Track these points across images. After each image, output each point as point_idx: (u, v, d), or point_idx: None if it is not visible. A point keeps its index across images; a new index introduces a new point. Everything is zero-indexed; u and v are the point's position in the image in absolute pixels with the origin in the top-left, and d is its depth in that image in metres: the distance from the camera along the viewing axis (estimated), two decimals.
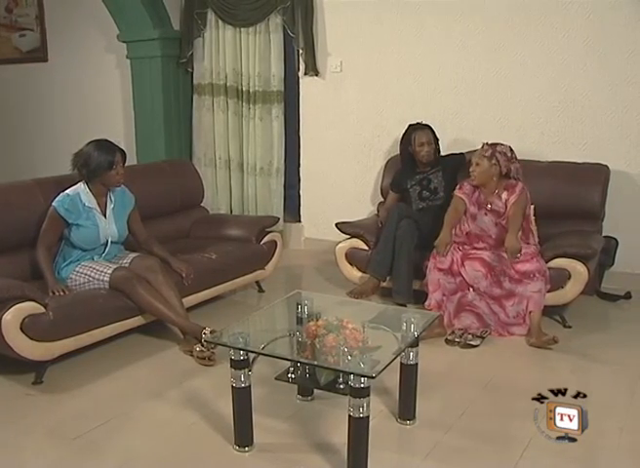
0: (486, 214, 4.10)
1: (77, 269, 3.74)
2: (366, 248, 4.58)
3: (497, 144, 4.06)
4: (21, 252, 3.84)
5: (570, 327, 4.10)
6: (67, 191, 3.76)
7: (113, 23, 6.17)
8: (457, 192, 4.18)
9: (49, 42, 7.11)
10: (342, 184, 5.77)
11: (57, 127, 7.16)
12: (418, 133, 4.66)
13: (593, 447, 2.77)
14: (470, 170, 4.10)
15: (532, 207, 4.17)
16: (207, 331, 3.58)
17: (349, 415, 2.44)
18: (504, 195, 4.07)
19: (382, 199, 5.07)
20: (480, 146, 4.10)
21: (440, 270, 4.01)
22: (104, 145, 3.82)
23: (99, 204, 3.85)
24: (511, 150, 4.08)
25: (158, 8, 6.00)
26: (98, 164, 3.74)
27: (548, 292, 4.02)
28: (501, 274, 3.93)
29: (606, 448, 2.79)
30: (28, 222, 3.84)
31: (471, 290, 3.99)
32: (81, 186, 3.80)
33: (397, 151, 4.95)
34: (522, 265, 3.90)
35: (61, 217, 3.71)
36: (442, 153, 4.80)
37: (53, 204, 3.72)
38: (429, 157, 4.64)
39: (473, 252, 4.06)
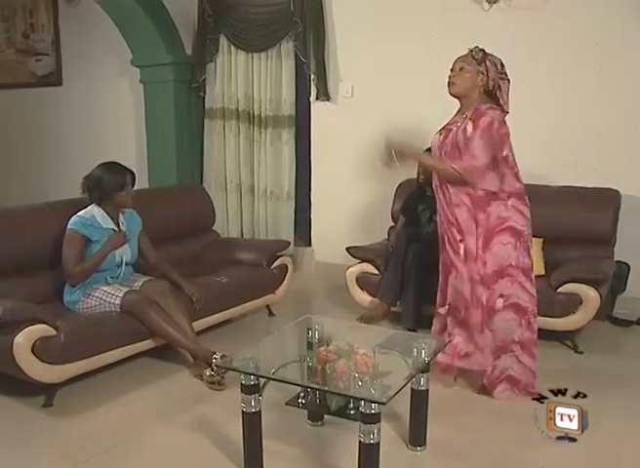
0: (441, 133, 3.55)
1: (89, 292, 3.75)
2: (376, 272, 4.59)
3: (489, 53, 3.45)
4: (34, 274, 3.87)
5: (581, 352, 4.07)
6: (80, 213, 3.78)
7: (127, 48, 6.25)
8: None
9: (64, 66, 7.21)
10: (353, 209, 5.78)
11: (70, 150, 7.22)
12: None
13: None
14: (451, 75, 3.48)
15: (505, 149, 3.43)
16: (217, 355, 3.58)
17: (360, 441, 2.43)
18: (469, 128, 3.37)
19: (393, 223, 5.08)
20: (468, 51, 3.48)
21: None
22: (115, 167, 3.86)
23: (114, 224, 3.88)
24: (502, 65, 3.47)
25: (171, 33, 6.09)
26: (109, 186, 3.78)
27: (559, 317, 4.00)
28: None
29: None
30: (41, 245, 3.86)
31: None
32: (94, 209, 3.82)
33: (408, 176, 4.96)
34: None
35: (82, 236, 3.71)
36: None
37: (69, 227, 3.73)
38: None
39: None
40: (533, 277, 3.46)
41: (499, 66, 3.44)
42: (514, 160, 3.45)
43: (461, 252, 3.43)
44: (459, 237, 3.44)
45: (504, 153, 3.38)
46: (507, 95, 3.47)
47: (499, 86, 3.44)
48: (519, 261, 3.37)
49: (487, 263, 3.36)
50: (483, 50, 3.45)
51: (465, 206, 3.40)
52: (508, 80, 3.47)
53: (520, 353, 3.42)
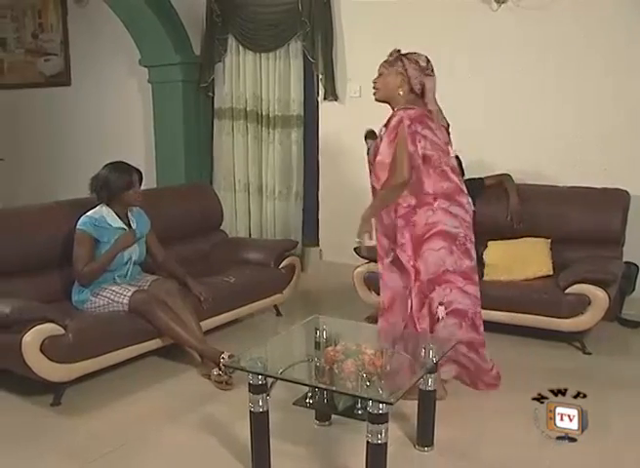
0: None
1: (97, 291, 3.76)
2: None
3: (409, 52, 3.33)
4: (42, 273, 3.88)
5: (589, 353, 4.06)
6: (88, 214, 3.79)
7: (135, 48, 6.27)
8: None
9: (72, 66, 7.23)
10: (361, 209, 5.73)
11: (79, 149, 7.23)
12: None
13: None
14: (374, 80, 3.41)
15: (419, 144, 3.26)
16: (225, 355, 3.58)
17: (367, 441, 2.43)
18: (382, 133, 3.35)
19: None
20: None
21: None
22: (121, 167, 3.88)
23: (123, 223, 3.89)
24: (427, 60, 3.31)
25: (180, 33, 6.10)
26: (116, 185, 3.79)
27: (567, 317, 3.99)
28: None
29: None
30: (50, 244, 3.88)
31: None
32: (102, 209, 3.83)
33: None
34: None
35: (91, 236, 3.73)
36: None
37: (78, 227, 3.74)
38: None
39: None
40: (475, 278, 3.34)
41: (421, 63, 3.28)
42: (440, 159, 3.31)
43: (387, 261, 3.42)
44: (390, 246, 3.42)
45: (420, 151, 3.22)
46: (433, 91, 3.32)
47: (424, 84, 3.30)
48: (457, 266, 3.23)
49: (420, 272, 3.25)
50: (399, 50, 3.33)
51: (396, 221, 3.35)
52: (434, 76, 3.33)
53: (467, 351, 3.36)
